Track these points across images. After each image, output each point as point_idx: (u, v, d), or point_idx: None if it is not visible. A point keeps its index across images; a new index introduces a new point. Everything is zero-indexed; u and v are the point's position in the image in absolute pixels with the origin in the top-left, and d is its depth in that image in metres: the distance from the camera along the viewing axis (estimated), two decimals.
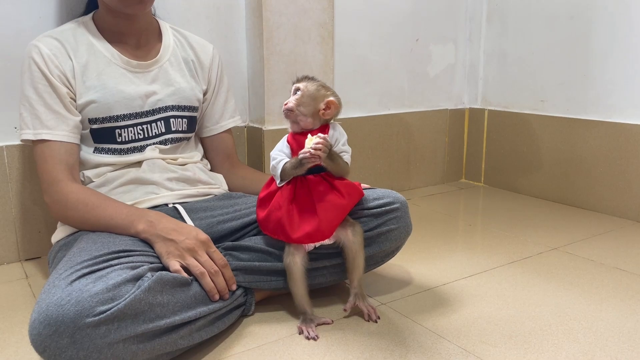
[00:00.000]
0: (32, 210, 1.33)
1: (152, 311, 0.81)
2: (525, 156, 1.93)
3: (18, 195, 1.31)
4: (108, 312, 0.75)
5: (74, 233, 1.06)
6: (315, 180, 0.98)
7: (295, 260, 0.99)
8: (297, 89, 0.99)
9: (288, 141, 1.01)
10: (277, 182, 1.00)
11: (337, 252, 1.04)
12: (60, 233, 1.09)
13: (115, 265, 0.85)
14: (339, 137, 1.01)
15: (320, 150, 0.92)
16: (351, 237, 1.01)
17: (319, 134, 0.95)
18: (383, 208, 1.06)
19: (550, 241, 1.46)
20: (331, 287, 1.13)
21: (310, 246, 1.01)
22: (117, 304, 0.77)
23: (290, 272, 0.99)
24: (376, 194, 1.09)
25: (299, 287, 0.99)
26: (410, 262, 1.31)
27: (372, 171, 1.88)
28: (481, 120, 2.06)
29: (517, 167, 1.96)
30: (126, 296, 0.78)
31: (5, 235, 1.31)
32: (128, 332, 0.77)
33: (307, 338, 0.96)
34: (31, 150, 1.30)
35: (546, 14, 1.81)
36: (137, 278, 0.83)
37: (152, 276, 0.84)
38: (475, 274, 1.24)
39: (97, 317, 0.74)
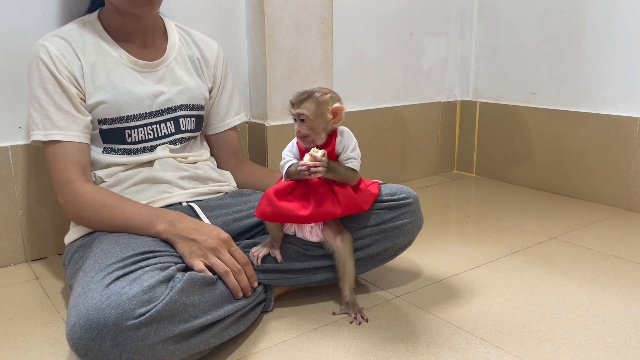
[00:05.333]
0: (38, 211, 1.32)
1: (186, 311, 0.82)
2: (516, 147, 1.98)
3: (24, 196, 1.30)
4: (147, 314, 0.76)
5: (90, 234, 1.06)
6: (317, 182, 0.99)
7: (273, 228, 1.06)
8: (300, 116, 0.97)
9: (297, 142, 1.03)
10: (283, 179, 1.04)
11: (331, 253, 1.06)
12: (74, 234, 1.09)
13: (145, 266, 0.85)
14: (347, 143, 1.02)
15: (319, 170, 0.95)
16: (340, 244, 1.04)
17: (315, 149, 0.97)
18: (397, 202, 1.09)
19: (547, 230, 1.51)
20: (326, 287, 1.14)
21: (290, 229, 1.07)
22: (154, 306, 0.78)
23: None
24: (390, 190, 1.11)
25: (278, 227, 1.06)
26: (415, 254, 1.34)
27: (368, 164, 1.90)
28: (473, 112, 2.11)
29: (508, 158, 2.01)
30: (162, 298, 0.79)
31: (12, 235, 1.30)
32: (166, 333, 0.78)
33: (253, 254, 1.03)
34: (37, 150, 1.29)
35: (537, 7, 1.85)
36: (169, 279, 0.84)
37: (182, 277, 0.85)
38: (482, 265, 1.28)
39: (137, 320, 0.75)
